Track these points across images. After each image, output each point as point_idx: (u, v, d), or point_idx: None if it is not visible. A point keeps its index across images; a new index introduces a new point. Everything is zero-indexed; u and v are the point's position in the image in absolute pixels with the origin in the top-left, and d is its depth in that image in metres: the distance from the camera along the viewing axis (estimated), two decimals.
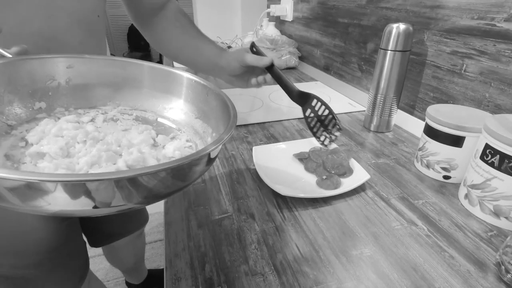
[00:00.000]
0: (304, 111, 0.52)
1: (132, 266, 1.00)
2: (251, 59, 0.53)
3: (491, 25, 0.54)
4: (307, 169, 0.54)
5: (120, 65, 0.44)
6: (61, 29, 0.45)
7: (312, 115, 0.51)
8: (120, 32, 4.11)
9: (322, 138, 0.50)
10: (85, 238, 0.69)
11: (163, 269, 0.60)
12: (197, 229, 0.43)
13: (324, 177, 0.50)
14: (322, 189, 0.49)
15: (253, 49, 0.56)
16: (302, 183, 0.52)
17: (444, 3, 0.62)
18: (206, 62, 0.59)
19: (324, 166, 0.53)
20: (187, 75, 0.44)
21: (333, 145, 0.56)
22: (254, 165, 0.55)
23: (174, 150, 0.36)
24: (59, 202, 0.22)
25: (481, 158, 0.44)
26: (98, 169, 0.30)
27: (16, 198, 0.22)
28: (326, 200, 0.48)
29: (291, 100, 0.54)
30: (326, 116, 0.49)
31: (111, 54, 3.57)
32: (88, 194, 0.22)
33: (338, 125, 0.48)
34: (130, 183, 0.23)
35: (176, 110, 0.44)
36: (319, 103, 0.50)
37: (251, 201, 0.48)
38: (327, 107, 0.49)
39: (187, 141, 0.40)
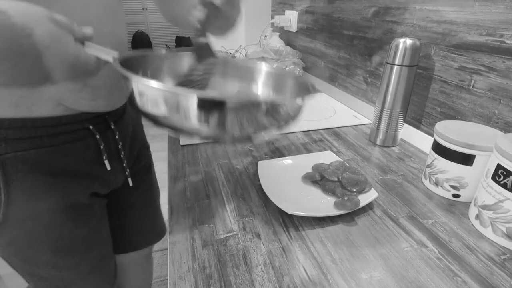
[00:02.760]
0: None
1: None
2: None
3: (500, 42, 0.53)
4: (325, 190, 0.52)
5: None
6: (97, 18, 0.45)
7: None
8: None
9: None
10: None
11: None
12: (202, 249, 0.42)
13: (346, 198, 0.49)
14: (337, 209, 0.48)
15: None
16: (308, 200, 0.51)
17: (451, 18, 0.62)
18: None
19: (342, 186, 0.52)
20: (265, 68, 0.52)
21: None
22: (259, 181, 0.54)
23: None
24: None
25: (493, 178, 0.43)
26: None
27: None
28: (333, 219, 0.47)
29: None
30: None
31: None
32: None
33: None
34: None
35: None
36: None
37: (256, 219, 0.47)
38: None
39: None
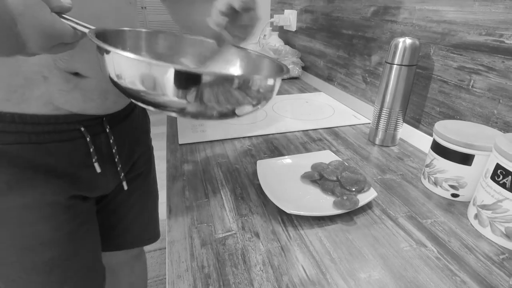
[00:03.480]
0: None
1: None
2: None
3: (500, 42, 0.53)
4: (324, 190, 0.52)
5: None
6: (95, 17, 0.44)
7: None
8: None
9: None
10: None
11: None
12: (201, 248, 0.42)
13: (345, 197, 0.49)
14: (337, 208, 0.48)
15: None
16: (307, 199, 0.50)
17: (451, 18, 0.62)
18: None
19: (341, 185, 0.52)
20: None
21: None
22: (258, 180, 0.54)
23: None
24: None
25: (492, 178, 0.43)
26: None
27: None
28: (332, 219, 0.47)
29: (294, 111, 0.54)
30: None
31: None
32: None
33: None
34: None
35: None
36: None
37: (255, 218, 0.47)
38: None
39: None
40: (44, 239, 0.50)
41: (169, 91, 0.32)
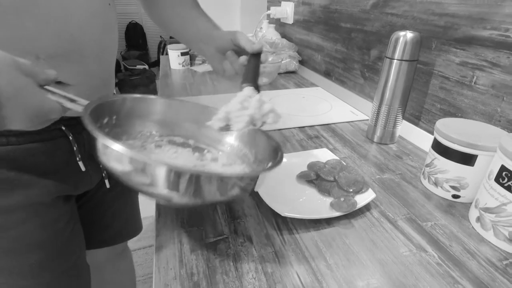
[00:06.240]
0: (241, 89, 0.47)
1: None
2: (243, 38, 0.50)
3: (505, 36, 0.51)
4: (321, 190, 0.50)
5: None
6: (79, 27, 0.43)
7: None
8: (118, 29, 4.06)
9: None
10: None
11: None
12: (190, 253, 0.39)
13: (342, 198, 0.47)
14: (334, 210, 0.46)
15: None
16: (303, 201, 0.48)
17: (454, 11, 0.60)
18: (197, 32, 0.57)
19: (338, 186, 0.50)
20: None
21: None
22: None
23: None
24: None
25: (496, 180, 0.41)
26: None
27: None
28: (329, 221, 0.45)
29: (290, 107, 0.51)
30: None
31: None
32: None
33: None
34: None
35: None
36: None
37: (248, 221, 0.45)
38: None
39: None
40: (30, 241, 0.48)
41: (157, 183, 0.31)
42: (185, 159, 0.47)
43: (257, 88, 0.46)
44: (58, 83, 0.43)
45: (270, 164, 0.40)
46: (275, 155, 0.41)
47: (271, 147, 0.44)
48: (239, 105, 0.42)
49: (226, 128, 0.44)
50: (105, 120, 0.41)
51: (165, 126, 0.50)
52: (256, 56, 0.50)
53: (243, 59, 0.51)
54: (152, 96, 0.49)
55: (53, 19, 0.40)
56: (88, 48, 0.45)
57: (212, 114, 0.44)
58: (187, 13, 0.59)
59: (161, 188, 0.31)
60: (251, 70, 0.49)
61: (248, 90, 0.44)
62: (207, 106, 0.51)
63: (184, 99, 0.55)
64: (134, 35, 4.28)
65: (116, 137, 0.43)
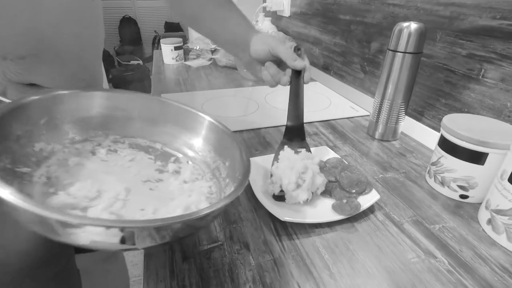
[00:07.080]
0: (280, 147, 0.48)
1: None
2: (285, 51, 0.46)
3: None
4: (321, 192, 0.46)
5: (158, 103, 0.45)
6: (51, 25, 0.39)
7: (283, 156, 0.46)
8: (111, 24, 3.99)
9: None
10: None
11: None
12: (182, 263, 0.36)
13: (345, 200, 0.44)
14: (336, 213, 0.43)
15: (298, 51, 0.50)
16: (303, 203, 0.45)
17: (460, 0, 0.56)
18: (230, 36, 0.52)
19: (340, 186, 0.47)
20: (209, 118, 0.44)
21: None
22: (248, 181, 0.49)
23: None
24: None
25: (510, 181, 0.38)
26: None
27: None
28: (331, 225, 0.42)
29: (287, 102, 0.50)
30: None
31: None
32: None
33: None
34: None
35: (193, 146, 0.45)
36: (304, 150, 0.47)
37: (245, 226, 0.42)
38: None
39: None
40: (21, 248, 0.46)
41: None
42: (138, 171, 0.39)
43: (304, 140, 0.48)
44: (32, 85, 0.40)
45: (231, 190, 0.32)
46: (244, 178, 0.33)
47: (244, 164, 0.36)
48: (290, 172, 0.43)
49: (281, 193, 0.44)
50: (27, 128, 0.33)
51: (121, 126, 0.42)
52: (297, 75, 0.48)
53: (286, 79, 0.49)
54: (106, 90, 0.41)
55: (20, 17, 0.36)
56: (64, 47, 0.41)
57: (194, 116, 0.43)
58: (218, 11, 0.54)
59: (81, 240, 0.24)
60: (293, 103, 0.49)
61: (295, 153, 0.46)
62: (190, 109, 0.45)
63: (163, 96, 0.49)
64: (129, 30, 4.20)
65: (58, 141, 0.35)
